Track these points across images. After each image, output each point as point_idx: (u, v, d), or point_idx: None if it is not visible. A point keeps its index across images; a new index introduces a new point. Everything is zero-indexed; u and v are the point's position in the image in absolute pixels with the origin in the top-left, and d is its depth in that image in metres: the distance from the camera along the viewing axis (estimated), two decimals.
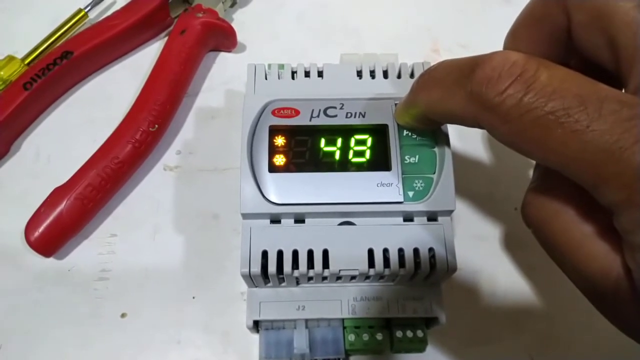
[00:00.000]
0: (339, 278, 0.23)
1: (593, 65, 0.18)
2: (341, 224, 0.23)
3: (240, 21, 0.37)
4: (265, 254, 0.22)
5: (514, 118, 0.15)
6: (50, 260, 0.28)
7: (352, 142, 0.23)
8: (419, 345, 0.24)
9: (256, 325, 0.24)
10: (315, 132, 0.23)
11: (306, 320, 0.24)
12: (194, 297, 0.28)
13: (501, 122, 0.15)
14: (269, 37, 0.37)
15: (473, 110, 0.16)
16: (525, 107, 0.14)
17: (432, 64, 0.26)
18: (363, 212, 0.22)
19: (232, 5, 0.37)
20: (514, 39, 0.21)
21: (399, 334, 0.24)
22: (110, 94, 0.33)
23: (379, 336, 0.24)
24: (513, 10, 0.38)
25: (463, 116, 0.17)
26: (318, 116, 0.24)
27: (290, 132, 0.23)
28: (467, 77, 0.16)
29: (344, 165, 0.23)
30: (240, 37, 0.35)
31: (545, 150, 0.15)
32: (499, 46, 0.36)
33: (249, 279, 0.22)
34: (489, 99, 0.15)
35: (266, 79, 0.25)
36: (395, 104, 0.24)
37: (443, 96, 0.18)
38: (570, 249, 0.17)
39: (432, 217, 0.23)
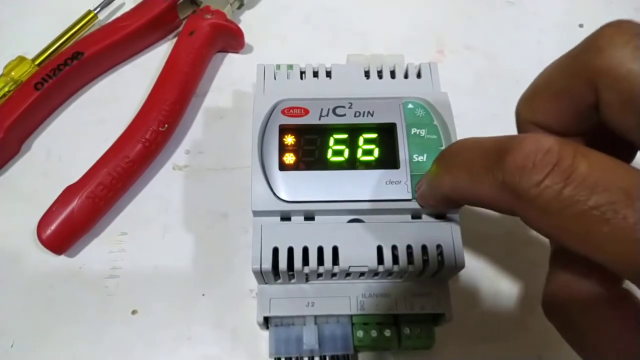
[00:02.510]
0: (348, 275, 0.23)
1: (622, 140, 0.17)
2: (350, 221, 0.23)
3: (248, 22, 0.37)
4: (276, 251, 0.22)
5: (553, 211, 0.14)
6: (62, 258, 0.29)
7: (361, 140, 0.24)
8: (427, 342, 0.24)
9: (266, 322, 0.24)
10: (324, 130, 0.24)
11: (315, 317, 0.24)
12: (203, 295, 0.28)
13: (539, 214, 0.14)
14: (276, 38, 0.37)
15: (506, 200, 0.15)
16: (565, 201, 0.13)
17: (438, 64, 0.27)
18: (372, 210, 0.23)
19: (239, 7, 0.37)
20: (531, 108, 0.19)
21: (406, 330, 0.24)
22: (120, 94, 0.34)
23: (387, 332, 0.24)
24: (516, 11, 0.39)
25: (495, 205, 0.16)
26: (327, 115, 0.24)
27: (300, 131, 0.24)
28: (496, 163, 0.15)
29: (353, 163, 0.23)
30: (247, 38, 0.36)
31: (589, 246, 0.14)
32: (503, 47, 0.37)
33: (260, 275, 0.23)
34: (525, 190, 0.14)
35: (275, 79, 0.26)
36: (403, 104, 0.24)
37: (470, 182, 0.17)
38: (604, 350, 0.16)
39: (440, 214, 0.23)
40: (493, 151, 0.16)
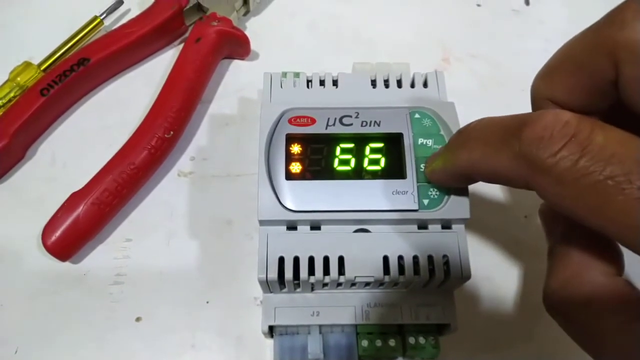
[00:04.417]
0: (353, 284, 0.23)
1: (639, 121, 0.16)
2: (356, 231, 0.23)
3: (253, 29, 0.37)
4: (282, 260, 0.22)
5: (568, 181, 0.14)
6: (66, 264, 0.29)
7: (368, 150, 0.24)
8: (432, 352, 0.24)
9: (271, 330, 0.24)
10: (331, 140, 0.24)
11: (320, 326, 0.24)
12: (207, 302, 0.28)
13: (554, 185, 0.14)
14: (282, 45, 0.37)
15: (522, 171, 0.15)
16: (581, 171, 0.14)
17: (444, 72, 0.27)
18: (378, 220, 0.23)
19: (245, 14, 0.38)
20: (549, 83, 0.18)
21: (411, 340, 0.24)
22: (125, 100, 0.34)
23: (392, 342, 0.24)
24: (522, 20, 0.39)
25: (510, 176, 0.16)
26: (334, 124, 0.24)
27: (306, 140, 0.24)
28: (515, 135, 0.15)
29: (360, 173, 0.23)
30: (253, 45, 0.36)
31: (602, 218, 0.14)
32: (508, 56, 0.37)
33: (266, 284, 0.22)
34: (541, 160, 0.14)
35: (282, 87, 0.26)
36: (410, 113, 0.24)
37: (487, 155, 0.17)
38: (607, 340, 0.15)
39: (446, 225, 0.23)
40: (511, 125, 0.16)
